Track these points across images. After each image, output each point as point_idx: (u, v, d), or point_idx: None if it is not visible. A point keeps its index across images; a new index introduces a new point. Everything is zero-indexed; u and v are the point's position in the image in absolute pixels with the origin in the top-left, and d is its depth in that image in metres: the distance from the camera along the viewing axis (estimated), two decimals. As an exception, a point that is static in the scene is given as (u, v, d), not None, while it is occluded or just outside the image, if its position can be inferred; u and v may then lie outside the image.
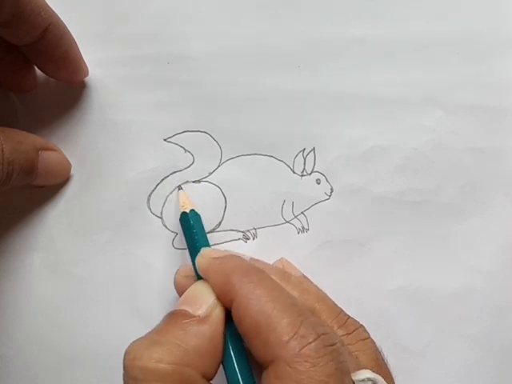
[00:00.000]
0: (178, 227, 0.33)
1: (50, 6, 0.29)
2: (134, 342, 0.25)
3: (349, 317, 0.29)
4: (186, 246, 0.31)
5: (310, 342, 0.23)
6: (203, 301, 0.26)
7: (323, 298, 0.29)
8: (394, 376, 0.28)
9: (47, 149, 0.31)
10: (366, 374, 0.24)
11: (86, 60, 0.32)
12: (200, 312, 0.25)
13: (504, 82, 0.33)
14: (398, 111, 0.33)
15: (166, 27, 0.33)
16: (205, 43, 0.33)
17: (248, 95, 0.33)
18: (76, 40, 0.31)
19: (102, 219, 0.33)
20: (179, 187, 0.33)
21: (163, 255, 0.33)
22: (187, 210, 0.31)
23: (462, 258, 0.33)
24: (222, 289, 0.26)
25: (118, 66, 0.33)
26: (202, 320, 0.25)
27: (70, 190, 0.33)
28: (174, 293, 0.32)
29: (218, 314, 0.26)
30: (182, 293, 0.28)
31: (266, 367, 0.23)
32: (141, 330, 0.32)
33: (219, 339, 0.25)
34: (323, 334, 0.23)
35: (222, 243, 0.33)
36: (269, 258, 0.32)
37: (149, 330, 0.31)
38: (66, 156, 0.32)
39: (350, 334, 0.27)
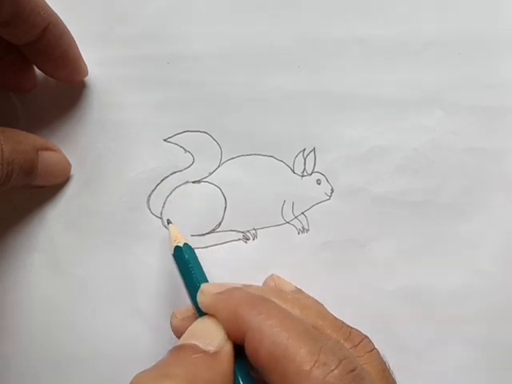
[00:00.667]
0: (178, 227, 0.32)
1: (50, 5, 0.29)
2: (139, 374, 0.24)
3: (352, 328, 0.28)
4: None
5: (333, 370, 0.22)
6: (213, 336, 0.25)
7: (324, 312, 0.29)
8: (394, 377, 0.28)
9: (47, 149, 0.31)
10: None
11: (85, 60, 0.32)
12: (211, 347, 0.25)
13: (504, 82, 0.33)
14: (398, 111, 0.33)
15: (166, 27, 0.33)
16: (205, 43, 0.33)
17: (248, 95, 0.33)
18: (76, 40, 0.31)
19: (102, 219, 0.33)
20: (168, 221, 0.32)
21: (163, 255, 0.33)
22: (180, 244, 0.30)
23: (462, 258, 0.33)
24: (231, 324, 0.25)
25: (118, 66, 0.33)
26: (213, 355, 0.24)
27: (70, 190, 0.33)
28: (174, 293, 0.32)
29: (228, 349, 0.25)
30: (181, 335, 0.26)
31: None
32: (140, 329, 0.32)
33: (230, 376, 0.25)
34: (344, 358, 0.23)
35: (222, 243, 0.33)
36: (269, 258, 0.32)
37: (149, 330, 0.32)
38: (65, 156, 0.32)
39: (356, 346, 0.27)
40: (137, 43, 0.33)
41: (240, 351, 0.25)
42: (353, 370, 0.23)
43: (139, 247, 0.33)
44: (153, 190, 0.33)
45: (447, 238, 0.33)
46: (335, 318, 0.29)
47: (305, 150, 0.33)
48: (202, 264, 0.30)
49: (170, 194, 0.33)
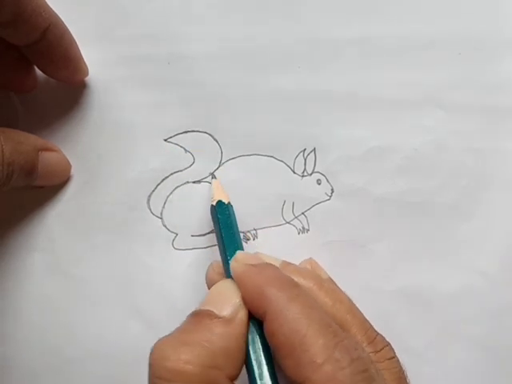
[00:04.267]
0: (178, 228, 0.33)
1: (51, 6, 0.29)
2: (159, 340, 0.24)
3: (377, 333, 0.28)
4: (186, 247, 0.31)
5: (344, 368, 0.23)
6: (228, 302, 0.26)
7: (355, 310, 0.29)
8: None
9: (47, 149, 0.31)
10: None
11: (86, 60, 0.32)
12: (225, 313, 0.25)
13: (504, 82, 0.33)
14: (399, 111, 0.33)
15: (166, 27, 0.33)
16: (205, 43, 0.33)
17: (248, 95, 0.33)
18: (76, 40, 0.31)
19: (102, 219, 0.33)
20: (213, 175, 0.33)
21: (163, 256, 0.33)
22: (225, 201, 0.30)
23: (463, 259, 0.33)
24: (255, 299, 0.25)
25: (118, 66, 0.33)
26: (228, 321, 0.25)
27: (70, 191, 0.33)
28: (174, 293, 0.32)
29: (242, 315, 0.25)
30: None
31: None
32: (140, 329, 0.32)
33: (243, 340, 0.25)
34: (357, 358, 0.23)
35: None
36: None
37: (149, 330, 0.32)
38: (66, 156, 0.32)
39: (378, 351, 0.27)
40: (137, 43, 0.33)
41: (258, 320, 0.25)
42: (364, 371, 0.23)
43: (139, 247, 0.33)
44: (153, 190, 0.33)
45: (447, 238, 0.33)
46: (365, 319, 0.29)
47: (305, 150, 0.33)
48: (201, 263, 0.30)
49: (171, 194, 0.33)
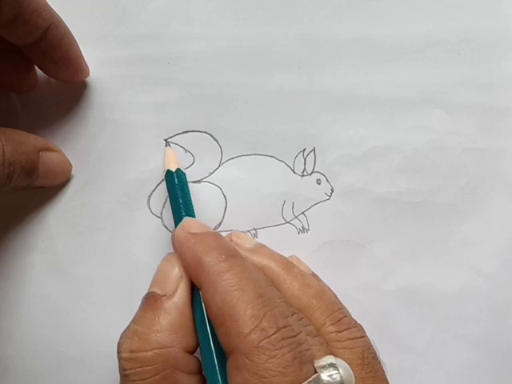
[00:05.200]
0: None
1: (51, 6, 0.28)
2: (121, 334, 0.27)
3: (345, 315, 0.28)
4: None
5: (270, 336, 0.23)
6: (170, 279, 0.27)
7: (322, 294, 0.29)
8: (392, 376, 0.28)
9: (48, 149, 0.31)
10: (328, 359, 0.24)
11: (86, 60, 0.32)
12: (168, 290, 0.26)
13: (504, 82, 0.33)
14: (398, 111, 0.33)
15: (166, 27, 0.33)
16: (205, 43, 0.33)
17: (248, 95, 0.33)
18: (77, 40, 0.31)
19: (102, 219, 0.33)
20: (167, 143, 0.32)
21: (163, 255, 0.33)
22: (173, 169, 0.30)
23: (462, 259, 0.33)
24: (193, 270, 0.26)
25: (119, 66, 0.33)
26: (170, 297, 0.26)
27: (71, 191, 0.33)
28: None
29: (183, 287, 0.26)
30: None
31: (228, 357, 0.24)
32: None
33: (189, 311, 0.26)
34: (284, 326, 0.24)
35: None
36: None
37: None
38: (66, 156, 0.32)
39: (340, 332, 0.27)
40: (137, 43, 0.33)
41: None
42: (291, 337, 0.24)
43: (139, 247, 0.33)
44: (153, 190, 0.33)
45: (447, 238, 0.33)
46: (334, 302, 0.29)
47: (305, 150, 0.33)
48: None
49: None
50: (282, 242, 0.33)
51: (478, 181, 0.33)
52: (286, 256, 0.32)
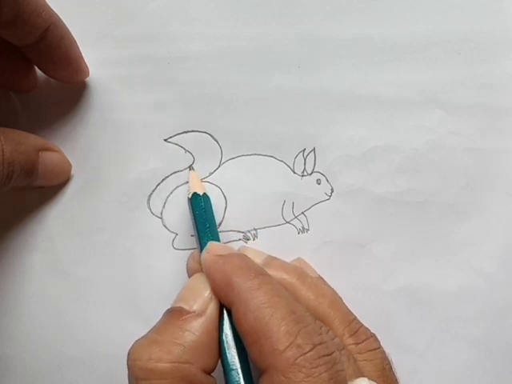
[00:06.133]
0: (178, 228, 0.33)
1: (51, 6, 0.28)
2: (135, 342, 0.26)
3: (361, 325, 0.29)
4: (186, 247, 0.31)
5: (306, 353, 0.23)
6: (199, 296, 0.26)
7: (338, 303, 0.29)
8: (397, 378, 0.28)
9: (47, 149, 0.31)
10: (361, 381, 0.24)
11: (86, 60, 0.32)
12: (196, 307, 0.26)
13: (504, 82, 0.33)
14: (398, 111, 0.33)
15: (166, 27, 0.33)
16: (205, 43, 0.33)
17: (248, 95, 0.33)
18: (76, 40, 0.31)
19: (102, 219, 0.33)
20: (191, 167, 0.33)
21: (163, 256, 0.33)
22: (200, 192, 0.30)
23: (462, 259, 0.33)
24: (222, 290, 0.26)
25: (118, 66, 0.33)
26: (198, 315, 0.26)
27: (70, 191, 0.33)
28: (174, 293, 0.32)
29: (212, 307, 0.26)
30: None
31: (262, 374, 0.24)
32: (140, 330, 0.32)
33: (215, 332, 0.26)
34: (320, 343, 0.24)
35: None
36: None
37: (149, 330, 0.32)
38: (66, 156, 0.32)
39: (359, 343, 0.27)
40: (137, 43, 0.33)
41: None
42: (326, 355, 0.23)
43: (139, 247, 0.33)
44: (153, 190, 0.33)
45: (447, 238, 0.33)
46: (349, 311, 0.29)
47: (305, 150, 0.33)
48: None
49: (171, 194, 0.33)
50: (282, 242, 0.33)
51: (478, 181, 0.33)
52: (291, 258, 0.32)
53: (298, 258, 0.32)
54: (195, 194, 0.30)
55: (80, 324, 0.33)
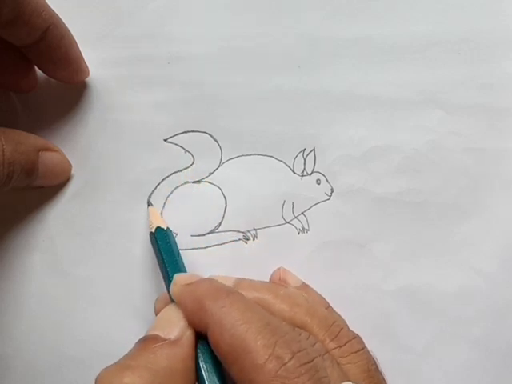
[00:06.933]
0: (178, 228, 0.33)
1: (51, 6, 0.29)
2: (104, 368, 0.25)
3: (342, 328, 0.28)
4: (186, 247, 0.31)
5: (286, 363, 0.23)
6: (174, 324, 0.26)
7: (314, 310, 0.29)
8: (393, 376, 0.28)
9: (48, 149, 0.31)
10: None
11: (86, 60, 0.32)
12: (171, 335, 0.25)
13: (504, 82, 0.33)
14: (398, 111, 0.33)
15: (166, 27, 0.33)
16: (205, 43, 0.33)
17: (248, 95, 0.33)
18: (76, 40, 0.31)
19: (102, 219, 0.33)
20: (149, 203, 0.33)
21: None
22: (153, 230, 0.30)
23: (462, 259, 0.33)
24: (195, 315, 0.26)
25: (118, 66, 0.33)
26: (173, 343, 0.25)
27: (70, 191, 0.33)
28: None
29: (188, 335, 0.26)
30: None
31: None
32: (141, 330, 0.32)
33: (191, 361, 0.25)
34: (299, 351, 0.23)
35: (222, 244, 0.33)
36: (269, 258, 0.32)
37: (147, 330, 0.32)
38: (66, 156, 0.32)
39: (342, 346, 0.27)
40: (137, 43, 0.33)
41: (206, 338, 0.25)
42: (308, 362, 0.23)
43: (139, 247, 0.33)
44: (153, 190, 0.33)
45: (447, 238, 0.33)
46: (327, 316, 0.29)
47: (305, 150, 0.33)
48: (201, 263, 0.30)
49: (170, 194, 0.33)
50: (282, 242, 0.33)
51: (478, 181, 0.33)
52: (291, 259, 0.32)
53: (279, 268, 0.32)
54: (159, 229, 0.30)
55: (80, 324, 0.33)
